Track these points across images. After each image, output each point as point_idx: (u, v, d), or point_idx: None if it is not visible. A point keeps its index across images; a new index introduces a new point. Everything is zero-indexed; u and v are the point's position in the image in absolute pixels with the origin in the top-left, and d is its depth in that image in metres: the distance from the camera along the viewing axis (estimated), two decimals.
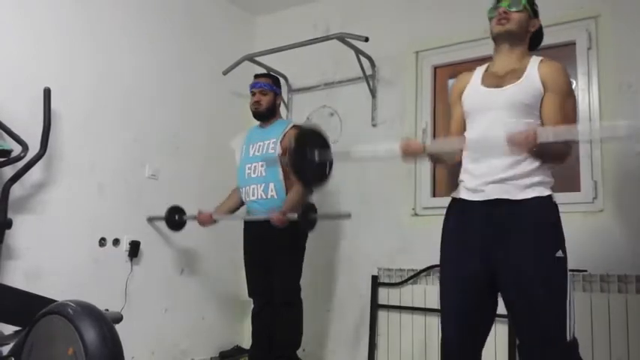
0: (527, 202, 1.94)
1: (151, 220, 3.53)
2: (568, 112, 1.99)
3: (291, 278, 3.13)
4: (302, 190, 3.02)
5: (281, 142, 3.14)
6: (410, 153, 2.09)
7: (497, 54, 2.13)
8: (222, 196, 3.43)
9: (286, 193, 3.08)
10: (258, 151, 3.21)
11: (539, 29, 2.17)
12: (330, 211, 3.71)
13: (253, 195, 3.17)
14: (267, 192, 3.12)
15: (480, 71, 2.17)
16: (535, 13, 2.13)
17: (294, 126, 3.20)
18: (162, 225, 3.51)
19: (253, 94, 3.28)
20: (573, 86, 3.14)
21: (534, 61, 2.05)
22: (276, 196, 3.09)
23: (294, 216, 2.94)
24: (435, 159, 2.25)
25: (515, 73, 2.04)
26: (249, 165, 3.22)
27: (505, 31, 2.08)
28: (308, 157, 2.28)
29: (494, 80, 2.08)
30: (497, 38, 2.11)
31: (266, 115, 3.26)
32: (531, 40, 2.14)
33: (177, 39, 3.85)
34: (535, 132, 1.81)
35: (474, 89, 2.13)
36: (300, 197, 3.04)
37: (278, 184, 3.10)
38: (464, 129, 2.14)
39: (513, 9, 2.08)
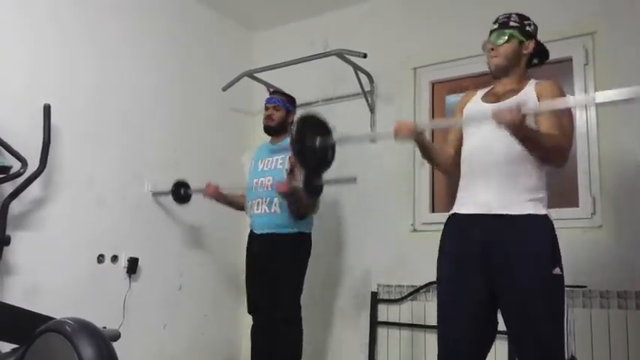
0: (524, 219, 1.95)
1: (155, 195, 3.58)
2: (563, 123, 2.00)
3: (292, 295, 3.11)
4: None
5: (290, 157, 3.16)
6: (402, 132, 2.11)
7: (497, 81, 2.20)
8: (221, 210, 3.44)
9: (289, 209, 3.09)
10: (267, 166, 3.24)
11: (539, 45, 2.19)
12: (329, 228, 3.72)
13: (257, 209, 3.17)
14: (270, 207, 3.12)
15: (483, 90, 2.25)
16: (527, 35, 2.15)
17: None
18: (163, 237, 3.50)
19: (267, 108, 3.32)
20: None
21: (532, 83, 2.11)
22: (279, 211, 3.10)
23: (299, 183, 2.93)
24: (424, 148, 2.22)
25: (514, 92, 2.09)
26: (257, 179, 3.24)
27: (495, 66, 2.15)
28: (309, 143, 2.30)
29: (493, 97, 2.15)
30: (493, 73, 2.19)
31: (276, 130, 3.30)
32: (532, 56, 2.19)
33: (176, 55, 3.87)
34: (519, 105, 1.82)
35: (474, 103, 2.21)
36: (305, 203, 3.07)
37: (282, 200, 3.11)
38: (461, 140, 2.20)
39: (499, 42, 2.13)
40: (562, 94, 2.06)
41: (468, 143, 2.15)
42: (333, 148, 2.37)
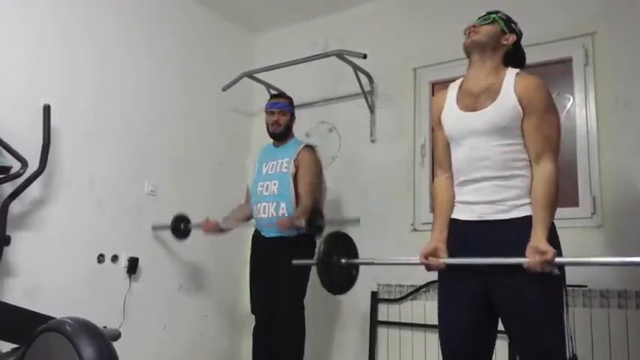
0: (523, 222, 1.92)
1: (155, 229, 3.54)
2: (548, 130, 1.95)
3: (295, 295, 3.11)
4: (310, 205, 3.09)
5: (294, 160, 3.19)
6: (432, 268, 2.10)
7: (470, 67, 2.12)
8: (221, 211, 3.43)
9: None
10: (272, 170, 3.24)
11: (518, 47, 2.13)
12: (329, 227, 3.71)
13: (264, 212, 3.18)
14: (278, 210, 3.13)
15: (454, 89, 2.15)
16: (510, 29, 2.11)
17: (306, 146, 3.25)
18: (163, 238, 3.50)
19: (272, 113, 3.30)
20: (569, 104, 3.17)
21: (510, 75, 2.01)
22: (286, 215, 3.11)
23: (302, 223, 2.97)
24: None
25: (491, 93, 2.00)
26: (262, 183, 3.24)
27: (472, 42, 2.08)
28: (335, 263, 2.27)
29: (470, 101, 2.06)
30: (468, 51, 2.11)
31: (283, 135, 3.31)
32: (508, 56, 2.10)
33: (177, 56, 3.87)
34: (550, 256, 1.80)
35: (451, 112, 2.11)
36: (308, 210, 3.08)
37: (289, 204, 3.12)
38: (449, 152, 2.14)
39: (482, 22, 2.10)
40: (546, 98, 1.97)
41: (458, 152, 2.09)
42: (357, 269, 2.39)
